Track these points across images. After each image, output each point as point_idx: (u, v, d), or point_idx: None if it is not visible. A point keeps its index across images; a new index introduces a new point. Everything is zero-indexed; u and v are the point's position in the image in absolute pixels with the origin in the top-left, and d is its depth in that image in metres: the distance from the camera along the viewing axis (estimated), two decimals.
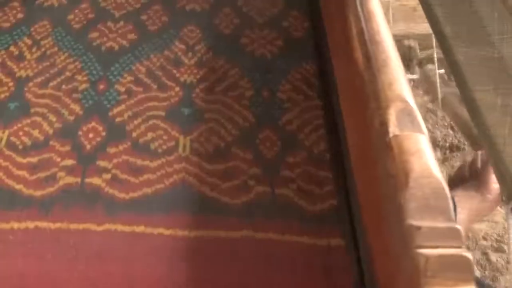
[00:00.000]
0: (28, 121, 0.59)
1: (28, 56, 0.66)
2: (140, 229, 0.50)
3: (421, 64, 1.45)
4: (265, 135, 0.58)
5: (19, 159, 0.56)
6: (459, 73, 0.69)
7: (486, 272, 1.05)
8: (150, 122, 0.59)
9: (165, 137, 0.58)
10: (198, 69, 0.65)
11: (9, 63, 0.65)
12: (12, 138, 0.57)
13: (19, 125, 0.59)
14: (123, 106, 0.61)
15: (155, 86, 0.63)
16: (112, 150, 0.57)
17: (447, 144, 1.25)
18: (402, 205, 0.33)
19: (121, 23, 0.70)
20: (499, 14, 0.65)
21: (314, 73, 0.64)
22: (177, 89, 0.63)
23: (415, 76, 1.39)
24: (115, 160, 0.56)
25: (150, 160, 0.56)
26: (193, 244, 0.49)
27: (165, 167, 0.55)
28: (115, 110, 0.60)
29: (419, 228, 0.33)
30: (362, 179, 0.49)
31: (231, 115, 0.60)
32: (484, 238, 1.09)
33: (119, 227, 0.50)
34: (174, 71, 0.65)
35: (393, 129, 0.37)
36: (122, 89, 0.62)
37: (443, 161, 1.25)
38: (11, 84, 0.63)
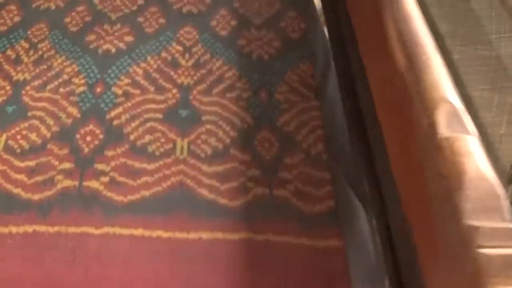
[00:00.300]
0: (26, 124, 0.59)
1: (25, 59, 0.66)
2: (138, 232, 0.50)
3: None
4: (263, 136, 0.58)
5: (17, 163, 0.56)
6: (455, 72, 0.69)
7: None
8: (148, 125, 0.59)
9: (162, 140, 0.58)
10: (195, 70, 0.65)
11: (6, 66, 0.65)
12: (10, 142, 0.58)
13: (17, 128, 0.59)
14: (120, 109, 0.61)
15: (152, 88, 0.63)
16: (109, 153, 0.57)
17: None
18: (458, 206, 0.33)
19: (118, 25, 0.70)
20: (496, 12, 0.65)
21: (311, 74, 0.65)
22: (175, 91, 0.63)
23: None
24: (113, 163, 0.56)
25: (148, 162, 0.56)
26: (192, 246, 0.49)
27: (163, 169, 0.55)
28: (113, 113, 0.60)
29: (477, 228, 0.33)
30: (403, 179, 0.48)
31: (229, 116, 0.60)
32: None
33: (118, 230, 0.50)
34: (171, 73, 0.65)
35: (443, 130, 0.37)
36: (119, 92, 0.62)
37: None
38: (8, 87, 0.63)
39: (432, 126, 0.37)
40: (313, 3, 0.85)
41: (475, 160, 0.35)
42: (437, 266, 0.39)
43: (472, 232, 0.32)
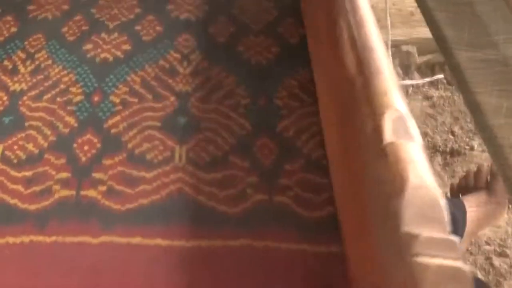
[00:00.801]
0: (23, 134, 0.59)
1: (22, 70, 0.66)
2: (136, 240, 0.50)
3: (420, 68, 1.45)
4: (262, 143, 0.58)
5: (14, 173, 0.55)
6: (462, 77, 0.68)
7: (490, 277, 1.04)
8: (146, 133, 0.59)
9: (161, 148, 0.57)
10: (193, 78, 0.65)
11: (3, 77, 0.65)
12: (7, 152, 0.57)
13: (14, 139, 0.59)
14: (118, 117, 0.60)
15: (150, 97, 0.63)
16: (107, 161, 0.56)
17: (448, 149, 1.25)
18: (397, 212, 0.33)
19: (115, 34, 0.70)
20: (502, 15, 0.65)
21: (310, 79, 0.64)
22: (173, 98, 0.62)
23: (414, 82, 1.39)
24: (110, 172, 0.55)
25: (146, 171, 0.55)
26: (190, 254, 0.49)
27: (161, 177, 0.55)
28: (110, 122, 0.60)
29: (417, 236, 0.32)
30: (340, 182, 0.48)
31: (228, 123, 0.60)
32: (487, 243, 1.08)
33: (115, 239, 0.50)
34: (170, 81, 0.64)
35: (388, 136, 0.37)
36: (117, 100, 0.62)
37: (443, 166, 1.24)
38: (5, 98, 0.62)
39: (377, 131, 0.37)
40: None
41: (418, 167, 0.34)
42: (371, 277, 0.39)
43: (409, 240, 0.32)
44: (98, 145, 0.58)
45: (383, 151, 0.36)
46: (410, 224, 0.33)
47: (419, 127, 1.17)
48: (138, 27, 0.71)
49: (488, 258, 1.08)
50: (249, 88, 0.63)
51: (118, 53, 0.68)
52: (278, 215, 0.52)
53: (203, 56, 0.67)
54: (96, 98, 0.62)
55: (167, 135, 0.59)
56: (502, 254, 1.06)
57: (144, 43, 0.69)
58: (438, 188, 0.34)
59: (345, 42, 0.47)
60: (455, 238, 0.32)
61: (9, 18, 0.73)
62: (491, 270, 1.06)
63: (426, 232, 0.32)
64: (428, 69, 1.42)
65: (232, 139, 0.58)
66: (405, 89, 1.44)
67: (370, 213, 0.38)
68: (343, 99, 0.47)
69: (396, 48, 1.50)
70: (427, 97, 1.39)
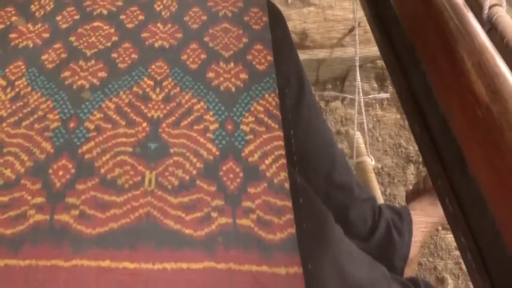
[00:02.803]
0: (1, 160, 0.60)
1: (2, 97, 0.67)
2: (105, 263, 0.51)
3: (381, 79, 1.48)
4: (228, 167, 0.60)
5: None
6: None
7: (459, 281, 1.06)
8: (118, 158, 0.60)
9: (131, 173, 0.59)
10: (165, 104, 0.66)
11: None
12: None
13: None
14: (92, 143, 0.62)
15: (123, 123, 0.64)
16: (80, 186, 0.58)
17: (420, 159, 1.27)
18: None
19: (92, 61, 0.72)
20: None
21: (276, 104, 0.66)
22: (145, 124, 0.64)
23: (388, 95, 1.42)
24: (83, 197, 0.57)
25: (117, 195, 0.57)
26: (156, 277, 0.50)
27: (131, 201, 0.56)
28: (85, 147, 0.61)
29: None
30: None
31: (196, 148, 0.61)
32: (457, 248, 1.11)
33: (86, 262, 0.51)
34: (142, 107, 0.66)
35: None
36: (92, 126, 0.64)
37: (416, 175, 1.26)
38: None
39: None
40: (289, 35, 0.87)
41: None
42: None
43: None
44: (72, 171, 0.59)
45: None
46: None
47: (393, 138, 1.20)
48: (114, 55, 0.73)
49: (457, 263, 1.10)
50: (217, 114, 0.65)
51: (94, 80, 0.69)
52: (241, 237, 0.54)
53: (175, 82, 0.69)
54: (72, 125, 0.64)
55: (138, 161, 0.60)
56: None
57: (120, 70, 0.71)
58: None
59: (469, 70, 0.47)
60: None
61: None
62: (460, 274, 1.08)
63: None
64: None
65: (200, 163, 0.60)
66: (381, 102, 1.46)
67: None
68: (479, 127, 0.46)
69: (372, 63, 1.53)
70: (401, 110, 1.41)
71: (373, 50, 1.56)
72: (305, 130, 0.83)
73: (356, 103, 1.19)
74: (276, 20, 0.81)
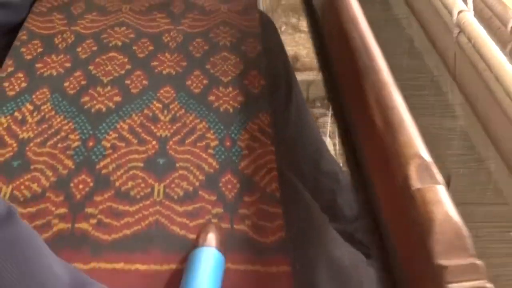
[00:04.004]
0: (29, 176, 0.62)
1: (30, 120, 0.68)
2: (119, 266, 0.52)
3: None
4: (227, 179, 0.61)
5: (20, 210, 0.58)
6: None
7: None
8: (131, 172, 0.62)
9: (142, 185, 0.60)
10: (172, 124, 0.67)
11: (13, 126, 0.68)
12: (15, 192, 0.60)
13: (21, 180, 0.61)
14: (108, 160, 0.63)
15: (135, 141, 0.65)
16: (98, 198, 0.59)
17: None
18: (429, 248, 0.35)
19: (109, 87, 0.73)
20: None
21: (268, 123, 0.67)
22: (154, 142, 0.65)
23: None
24: (100, 207, 0.58)
25: (130, 205, 0.58)
26: (164, 276, 0.51)
27: (142, 210, 0.57)
28: (102, 164, 0.63)
29: (446, 267, 0.34)
30: (394, 226, 0.49)
31: (199, 163, 0.63)
32: None
33: (102, 265, 0.52)
34: (152, 127, 0.67)
35: (414, 182, 0.39)
36: (108, 145, 0.65)
37: None
38: (14, 145, 0.65)
39: (405, 179, 0.38)
40: (279, 39, 0.88)
41: (443, 206, 0.36)
42: None
43: (441, 271, 0.34)
44: (91, 184, 0.60)
45: (412, 196, 0.38)
46: (440, 257, 0.35)
47: None
48: (127, 81, 0.74)
49: None
50: (217, 132, 0.66)
51: (110, 104, 0.71)
52: (238, 241, 0.54)
53: (181, 105, 0.70)
54: (90, 144, 0.65)
55: (148, 174, 0.61)
56: None
57: (132, 95, 0.72)
58: (461, 220, 0.36)
59: (371, 103, 0.49)
60: (478, 261, 0.35)
61: (20, 75, 0.75)
62: None
63: (454, 261, 0.34)
64: None
65: (202, 176, 0.61)
66: None
67: (411, 250, 0.40)
68: (378, 154, 0.48)
69: None
70: None
71: None
72: (295, 125, 0.84)
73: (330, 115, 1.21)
74: (268, 27, 0.84)
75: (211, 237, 0.50)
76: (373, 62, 0.51)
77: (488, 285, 0.34)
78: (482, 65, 0.53)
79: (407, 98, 0.70)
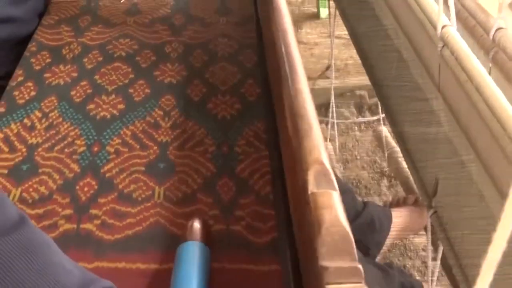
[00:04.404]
0: (37, 179, 0.63)
1: (38, 126, 0.70)
2: (121, 265, 0.53)
3: (370, 108, 1.50)
4: (223, 182, 0.62)
5: (29, 211, 0.59)
6: (391, 114, 0.73)
7: (424, 277, 1.08)
8: (133, 176, 0.63)
9: (144, 188, 0.61)
10: (172, 130, 0.69)
11: (23, 132, 0.69)
12: (24, 194, 0.61)
13: (30, 183, 0.62)
14: (112, 164, 0.64)
15: (138, 146, 0.67)
16: (102, 200, 0.60)
17: (392, 174, 1.29)
18: (316, 249, 0.36)
19: (113, 96, 0.75)
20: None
21: (263, 129, 0.68)
22: (155, 147, 0.66)
23: (365, 119, 1.44)
24: (104, 208, 0.59)
25: (132, 207, 0.59)
26: (163, 275, 0.52)
27: (143, 212, 0.59)
28: (106, 168, 0.64)
29: (327, 268, 0.35)
30: (296, 227, 0.51)
31: (197, 167, 0.64)
32: (423, 250, 1.12)
33: (105, 264, 0.53)
34: (153, 133, 0.68)
35: (311, 187, 0.40)
36: (112, 150, 0.66)
37: (389, 187, 1.28)
38: (24, 150, 0.66)
39: (304, 183, 0.40)
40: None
41: (334, 211, 0.37)
42: None
43: (323, 272, 0.35)
44: (96, 187, 0.62)
45: (308, 200, 0.39)
46: (325, 258, 0.36)
47: (370, 156, 1.22)
48: (131, 90, 0.76)
49: (424, 262, 1.12)
50: (215, 138, 0.67)
51: (114, 111, 0.72)
52: (233, 241, 0.56)
53: (181, 112, 0.72)
54: (95, 149, 0.66)
55: (149, 178, 0.62)
56: (435, 259, 1.10)
57: (135, 103, 0.73)
58: (349, 226, 0.37)
59: (285, 109, 0.50)
60: (359, 266, 0.36)
61: (30, 84, 0.77)
62: (425, 272, 1.09)
63: (336, 263, 0.35)
64: (377, 108, 1.47)
65: (200, 179, 0.62)
66: (359, 125, 1.49)
67: (304, 252, 0.41)
68: (288, 157, 0.49)
69: (351, 93, 1.55)
70: (376, 132, 1.43)
71: (352, 81, 1.60)
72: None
73: (329, 125, 1.22)
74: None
75: (196, 231, 0.51)
76: (292, 70, 0.52)
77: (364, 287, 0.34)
78: (464, 76, 0.54)
79: (395, 105, 0.71)
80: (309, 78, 1.88)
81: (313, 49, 2.14)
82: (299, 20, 2.17)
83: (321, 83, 1.56)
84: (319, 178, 0.40)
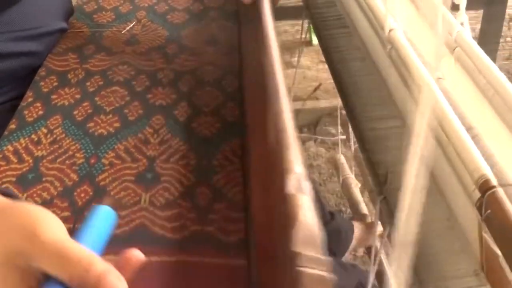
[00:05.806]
0: (41, 186, 0.70)
1: (44, 141, 0.78)
2: (110, 257, 0.60)
3: (344, 125, 1.58)
4: (201, 191, 0.69)
5: None
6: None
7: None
8: (123, 184, 0.70)
9: (132, 194, 0.69)
10: (159, 146, 0.77)
11: (30, 146, 0.77)
12: (29, 199, 0.68)
13: (34, 189, 0.70)
14: (106, 174, 0.72)
15: (129, 159, 0.74)
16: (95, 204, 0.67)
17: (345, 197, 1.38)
18: (291, 237, 0.43)
19: (110, 115, 0.83)
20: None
21: (239, 146, 0.76)
22: (144, 160, 0.74)
23: (341, 137, 1.53)
24: None
25: (121, 211, 0.67)
26: (146, 268, 0.59)
27: (131, 215, 0.66)
28: (100, 177, 0.72)
29: (300, 253, 0.42)
30: (260, 219, 0.59)
31: (179, 177, 0.71)
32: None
33: None
34: (143, 148, 0.76)
35: (289, 189, 0.47)
36: (107, 162, 0.74)
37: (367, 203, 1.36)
38: (30, 161, 0.74)
39: (283, 187, 0.47)
40: None
41: (305, 211, 0.45)
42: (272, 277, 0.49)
43: (296, 255, 0.42)
44: (91, 193, 0.69)
45: (287, 200, 0.46)
46: (298, 246, 0.43)
47: (355, 170, 1.29)
48: (126, 110, 0.84)
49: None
50: (196, 153, 0.75)
51: (111, 129, 0.80)
52: (206, 239, 0.63)
53: (168, 130, 0.80)
54: (92, 161, 0.74)
55: (138, 186, 0.70)
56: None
57: (129, 121, 0.81)
58: (317, 225, 0.44)
59: (269, 124, 0.58)
60: (324, 257, 0.42)
61: (38, 104, 0.85)
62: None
63: (307, 252, 0.42)
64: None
65: (181, 188, 0.70)
66: (344, 142, 1.57)
67: (278, 238, 0.48)
68: (267, 166, 0.57)
69: (339, 112, 1.63)
70: (333, 157, 1.53)
71: (339, 101, 1.68)
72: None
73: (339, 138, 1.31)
74: None
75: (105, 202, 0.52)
76: (276, 92, 0.59)
77: (329, 276, 0.40)
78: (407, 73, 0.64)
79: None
80: (300, 98, 1.98)
81: (305, 72, 2.24)
82: (294, 47, 2.28)
83: (311, 104, 1.64)
84: (296, 183, 0.47)
